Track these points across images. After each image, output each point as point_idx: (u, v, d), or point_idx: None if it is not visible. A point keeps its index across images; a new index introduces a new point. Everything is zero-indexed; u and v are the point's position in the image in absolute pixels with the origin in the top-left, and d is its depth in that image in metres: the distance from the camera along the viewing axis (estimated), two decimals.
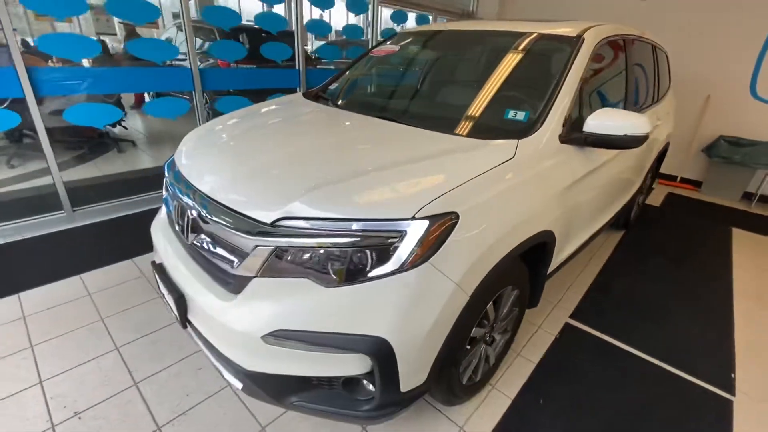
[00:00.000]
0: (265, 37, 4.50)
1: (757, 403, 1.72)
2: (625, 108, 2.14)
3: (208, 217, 1.20)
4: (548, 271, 1.76)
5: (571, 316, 2.21)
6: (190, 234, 1.31)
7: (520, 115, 1.57)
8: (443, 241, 1.07)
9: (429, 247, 1.05)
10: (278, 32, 3.70)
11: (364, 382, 1.18)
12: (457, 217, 1.09)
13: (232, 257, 1.17)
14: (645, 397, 1.71)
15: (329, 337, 1.05)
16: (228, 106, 3.44)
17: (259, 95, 3.59)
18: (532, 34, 1.85)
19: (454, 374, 1.36)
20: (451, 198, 1.11)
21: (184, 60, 4.15)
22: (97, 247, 2.55)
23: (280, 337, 1.07)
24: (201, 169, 1.36)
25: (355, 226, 1.05)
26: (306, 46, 5.26)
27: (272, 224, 1.09)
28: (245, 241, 1.12)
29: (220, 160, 1.40)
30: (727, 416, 1.65)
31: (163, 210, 1.66)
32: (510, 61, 1.77)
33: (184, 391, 1.58)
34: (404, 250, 1.04)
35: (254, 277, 1.13)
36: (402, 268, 1.03)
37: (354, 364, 1.09)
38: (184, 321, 1.33)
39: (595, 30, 1.85)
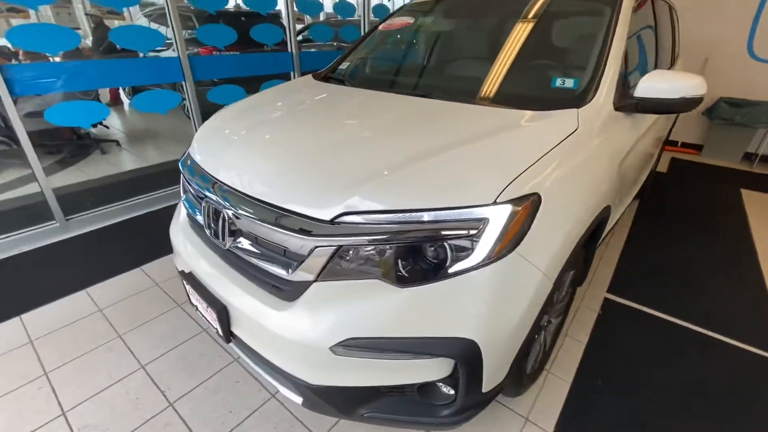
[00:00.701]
0: (246, 21, 4.21)
1: None
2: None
3: (253, 219, 1.06)
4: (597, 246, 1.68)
5: (609, 291, 2.15)
6: (227, 238, 1.16)
7: (569, 83, 1.44)
8: (528, 227, 0.95)
9: (514, 234, 0.94)
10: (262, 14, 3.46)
11: (440, 385, 1.08)
12: (540, 198, 0.98)
13: (285, 261, 1.04)
14: (697, 366, 1.67)
15: (408, 343, 0.94)
16: (223, 97, 3.22)
17: (248, 83, 3.38)
18: None
19: (523, 365, 1.27)
20: (529, 177, 0.99)
21: (161, 51, 3.87)
22: (99, 257, 2.36)
23: (350, 346, 0.95)
24: (234, 165, 1.20)
25: (427, 216, 0.93)
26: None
27: (332, 221, 0.95)
28: (302, 242, 0.99)
29: (254, 153, 1.23)
30: None
31: (182, 212, 1.50)
32: (546, 24, 1.64)
33: (226, 408, 1.45)
34: (488, 239, 0.92)
35: (314, 281, 1.00)
36: (487, 261, 0.92)
37: (433, 369, 0.99)
38: (228, 335, 1.20)
39: None
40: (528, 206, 0.96)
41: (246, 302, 1.10)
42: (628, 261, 2.44)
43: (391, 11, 4.77)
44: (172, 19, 2.78)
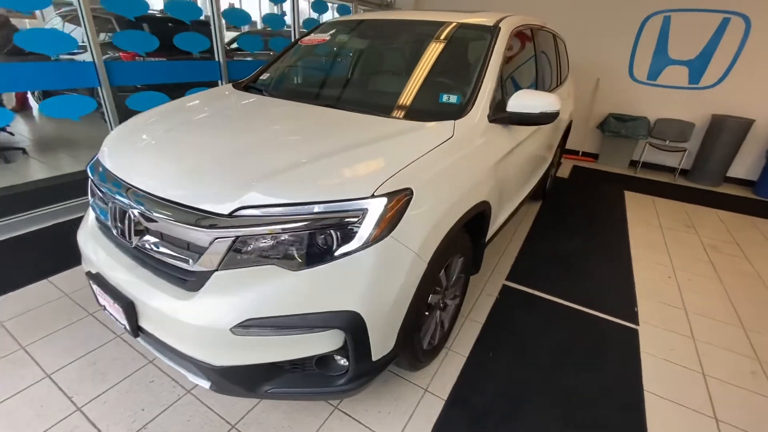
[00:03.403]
0: (173, 27, 4.12)
1: (656, 329, 2.11)
2: (537, 89, 2.41)
3: (157, 216, 1.14)
4: (486, 239, 1.95)
5: (507, 278, 2.46)
6: (133, 236, 1.22)
7: (453, 98, 1.70)
8: (401, 215, 1.15)
9: (389, 221, 1.12)
10: (192, 22, 3.47)
11: (336, 357, 1.23)
12: (412, 192, 1.18)
13: (188, 254, 1.13)
14: (570, 335, 2.00)
15: (301, 318, 1.08)
16: (143, 103, 3.15)
17: (175, 90, 3.34)
18: (455, 23, 1.99)
19: (417, 339, 1.46)
20: (404, 175, 1.19)
21: (79, 53, 3.69)
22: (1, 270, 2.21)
23: (250, 326, 1.07)
24: (141, 168, 1.27)
25: (317, 208, 1.09)
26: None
27: (230, 215, 1.07)
28: (202, 235, 1.09)
29: (161, 155, 1.31)
30: (634, 342, 2.00)
31: (90, 216, 1.51)
32: (438, 48, 1.89)
33: (139, 407, 1.48)
34: (367, 226, 1.10)
35: (215, 271, 1.11)
36: (366, 244, 1.10)
37: (326, 342, 1.14)
38: (136, 329, 1.25)
39: (508, 20, 2.05)
40: (401, 198, 1.15)
41: (152, 295, 1.17)
42: (527, 252, 2.79)
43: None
44: (86, 22, 2.71)
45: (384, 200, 1.12)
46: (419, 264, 1.22)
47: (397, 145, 1.34)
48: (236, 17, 3.80)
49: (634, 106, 5.06)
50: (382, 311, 1.16)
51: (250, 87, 2.12)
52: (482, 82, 1.71)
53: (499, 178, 1.80)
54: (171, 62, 3.35)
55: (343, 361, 1.22)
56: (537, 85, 2.43)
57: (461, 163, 1.44)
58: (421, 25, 2.04)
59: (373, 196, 1.11)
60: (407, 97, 1.71)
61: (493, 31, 1.92)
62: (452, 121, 1.52)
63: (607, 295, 2.37)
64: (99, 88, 2.89)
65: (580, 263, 2.71)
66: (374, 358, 1.21)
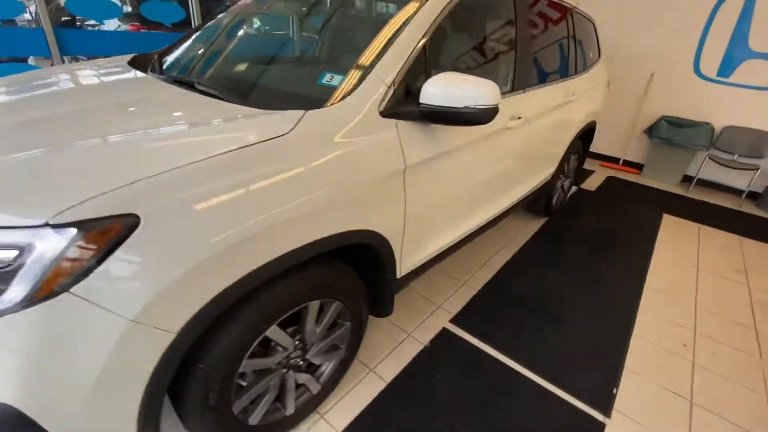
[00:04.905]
0: None
1: (635, 427, 1.48)
2: (514, 82, 1.80)
3: None
4: (401, 275, 1.46)
5: (452, 320, 1.92)
6: None
7: (336, 80, 1.20)
8: (105, 256, 0.71)
9: (75, 268, 0.69)
10: None
11: None
12: (136, 222, 0.73)
13: None
14: (507, 422, 1.45)
15: None
16: None
17: None
18: None
19: (224, 419, 1.03)
20: (133, 192, 0.75)
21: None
22: None
23: None
24: None
25: None
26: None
27: None
28: None
29: None
30: None
31: None
32: (340, 10, 1.39)
33: None
34: (29, 273, 0.68)
35: None
36: (26, 302, 0.68)
37: None
38: None
39: None
40: (109, 231, 0.71)
41: None
42: (495, 288, 2.20)
43: None
44: None
45: (69, 233, 0.69)
46: (149, 337, 0.76)
47: (168, 142, 0.89)
48: None
49: (695, 108, 4.07)
50: (69, 404, 0.73)
51: (152, 61, 1.76)
52: (382, 57, 1.19)
53: (409, 198, 1.29)
54: (134, 33, 3.13)
55: None
56: (516, 73, 1.80)
57: (296, 173, 0.95)
58: None
59: (47, 224, 0.69)
60: (268, 73, 1.24)
61: None
62: (302, 112, 1.03)
63: (582, 363, 1.75)
64: (50, 58, 2.71)
65: (564, 309, 2.08)
66: None
